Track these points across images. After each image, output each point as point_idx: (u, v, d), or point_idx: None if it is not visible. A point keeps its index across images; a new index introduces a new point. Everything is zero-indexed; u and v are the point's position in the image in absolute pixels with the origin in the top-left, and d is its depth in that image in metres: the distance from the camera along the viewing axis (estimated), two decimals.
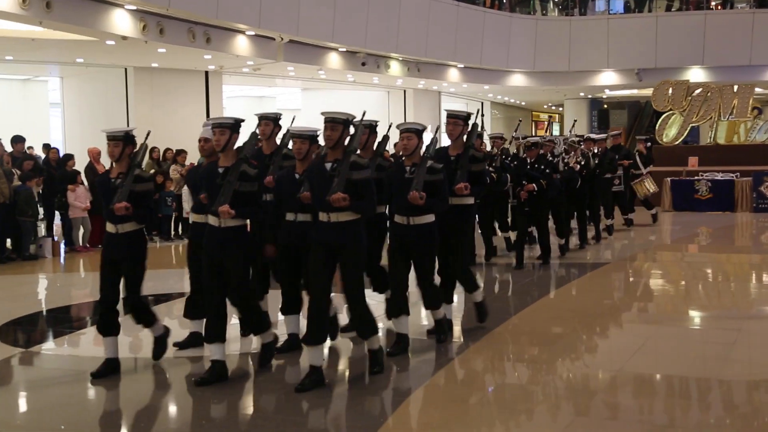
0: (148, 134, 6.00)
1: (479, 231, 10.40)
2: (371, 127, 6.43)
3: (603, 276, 9.84)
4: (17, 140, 12.35)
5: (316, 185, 5.30)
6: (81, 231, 12.16)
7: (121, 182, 5.54)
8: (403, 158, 6.08)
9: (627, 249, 12.24)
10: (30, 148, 15.07)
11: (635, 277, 10.11)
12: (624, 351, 6.26)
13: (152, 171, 13.12)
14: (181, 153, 14.18)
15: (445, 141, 7.14)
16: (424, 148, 6.03)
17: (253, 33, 16.32)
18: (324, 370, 5.32)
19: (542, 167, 9.85)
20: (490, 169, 9.42)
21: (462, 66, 23.12)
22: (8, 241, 11.18)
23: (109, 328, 5.63)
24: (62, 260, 11.55)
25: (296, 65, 18.77)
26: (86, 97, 19.39)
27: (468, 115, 6.60)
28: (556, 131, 37.17)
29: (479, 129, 9.95)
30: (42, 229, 12.25)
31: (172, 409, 5.16)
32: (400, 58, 21.14)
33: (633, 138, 29.80)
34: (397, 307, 6.00)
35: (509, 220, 11.04)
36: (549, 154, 10.47)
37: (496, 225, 11.15)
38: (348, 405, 5.09)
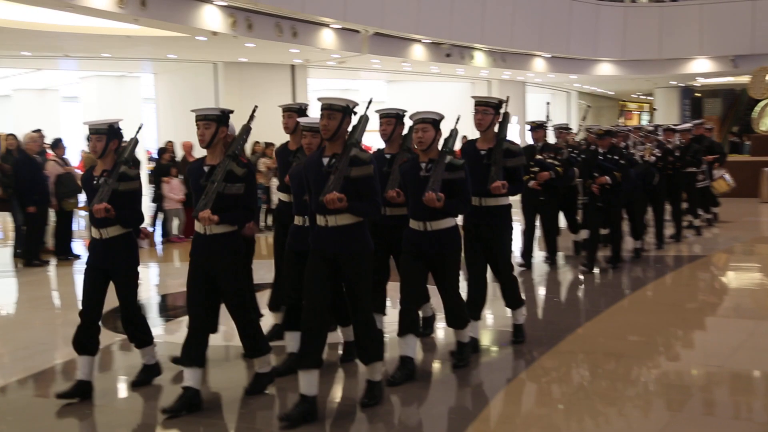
0: (139, 128, 5.46)
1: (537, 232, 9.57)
2: (398, 117, 5.58)
3: (697, 269, 9.54)
4: None
5: (311, 183, 4.58)
6: (176, 222, 12.54)
7: (105, 181, 4.95)
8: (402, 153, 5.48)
9: (720, 242, 11.81)
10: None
11: (731, 271, 9.77)
12: (723, 347, 6.06)
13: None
14: (270, 146, 14.44)
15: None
16: (442, 141, 5.17)
17: (338, 26, 16.46)
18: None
19: (616, 158, 8.81)
20: (555, 162, 8.91)
21: (548, 56, 22.77)
22: None
23: (85, 345, 5.02)
24: (158, 250, 11.92)
25: (381, 57, 18.84)
26: (178, 92, 19.96)
27: (499, 103, 5.74)
28: (645, 121, 36.20)
29: (546, 119, 9.53)
30: None
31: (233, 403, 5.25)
32: (485, 49, 20.96)
33: (725, 128, 28.78)
34: (405, 325, 5.18)
35: (579, 219, 10.19)
36: (625, 145, 9.77)
37: (565, 225, 10.22)
38: None
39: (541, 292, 8.49)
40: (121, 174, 4.95)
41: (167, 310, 8.10)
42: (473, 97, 5.84)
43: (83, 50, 16.83)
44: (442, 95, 24.48)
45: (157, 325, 7.36)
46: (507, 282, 5.96)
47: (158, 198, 12.42)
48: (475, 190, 5.52)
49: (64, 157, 11.19)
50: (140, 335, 5.26)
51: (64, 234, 10.89)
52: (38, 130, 11.46)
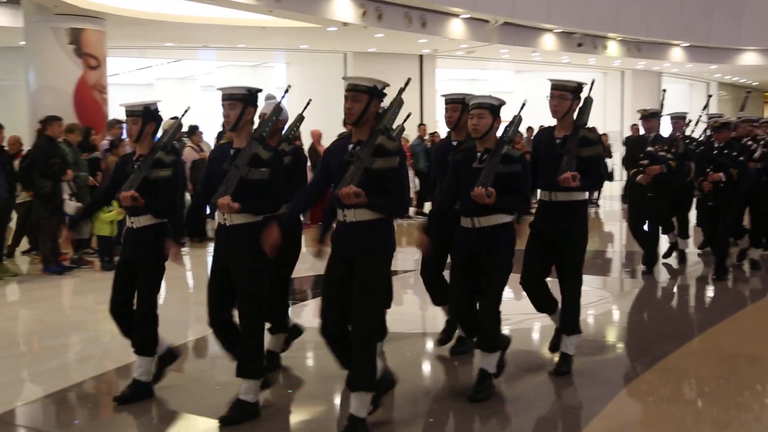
0: (185, 112, 5.15)
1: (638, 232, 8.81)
2: (464, 103, 5.08)
3: None
4: None
5: (334, 173, 4.08)
6: None
7: (138, 167, 4.59)
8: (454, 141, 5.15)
9: None
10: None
11: None
12: None
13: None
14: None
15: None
16: (502, 129, 4.60)
17: (467, 16, 16.37)
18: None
19: (734, 153, 7.97)
20: (668, 155, 8.05)
21: (687, 44, 21.78)
22: None
23: (138, 345, 4.68)
24: None
25: (510, 47, 18.61)
26: (308, 81, 20.41)
27: (578, 86, 5.11)
28: None
29: (660, 108, 8.62)
30: None
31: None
32: (619, 38, 20.29)
33: None
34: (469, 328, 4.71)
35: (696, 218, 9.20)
36: (749, 139, 8.75)
37: (676, 223, 9.22)
38: None
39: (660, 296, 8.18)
40: (156, 160, 4.59)
41: (293, 294, 8.33)
42: (549, 80, 5.25)
43: (221, 41, 17.53)
44: None
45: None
46: (570, 298, 5.09)
47: None
48: (545, 183, 5.07)
49: (200, 143, 11.69)
50: (145, 340, 4.66)
51: (200, 216, 11.37)
52: (175, 118, 11.99)
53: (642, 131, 8.90)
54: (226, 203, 4.10)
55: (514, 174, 4.46)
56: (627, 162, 9.25)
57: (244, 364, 4.27)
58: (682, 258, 9.30)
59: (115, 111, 13.75)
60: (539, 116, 7.51)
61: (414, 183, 14.15)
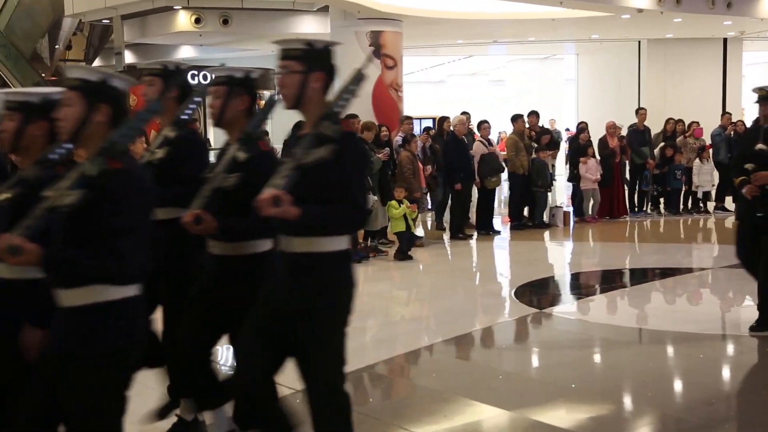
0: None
1: None
2: None
3: None
4: (532, 114, 13.20)
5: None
6: (591, 202, 12.56)
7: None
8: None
9: None
10: (552, 120, 16.29)
11: None
12: None
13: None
14: (692, 125, 13.65)
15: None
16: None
17: None
18: None
19: None
20: None
21: None
22: (525, 209, 12.09)
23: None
24: (571, 229, 12.07)
25: None
26: (599, 72, 19.93)
27: None
28: None
29: None
30: (554, 199, 12.99)
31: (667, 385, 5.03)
32: None
33: None
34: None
35: None
36: None
37: None
38: None
39: None
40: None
41: (579, 288, 8.18)
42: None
43: (511, 35, 17.67)
44: None
45: (568, 302, 7.48)
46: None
47: (574, 178, 12.54)
48: None
49: (489, 137, 11.87)
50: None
51: (486, 210, 11.57)
52: (466, 113, 12.32)
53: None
54: (190, 219, 3.18)
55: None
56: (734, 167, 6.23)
57: (195, 392, 3.58)
58: None
59: (409, 108, 14.45)
60: None
61: (711, 176, 13.13)
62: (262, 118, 3.33)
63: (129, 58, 18.58)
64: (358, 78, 2.95)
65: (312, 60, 2.91)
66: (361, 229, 3.82)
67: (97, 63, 19.79)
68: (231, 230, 3.22)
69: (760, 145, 5.57)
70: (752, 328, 5.68)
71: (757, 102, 5.71)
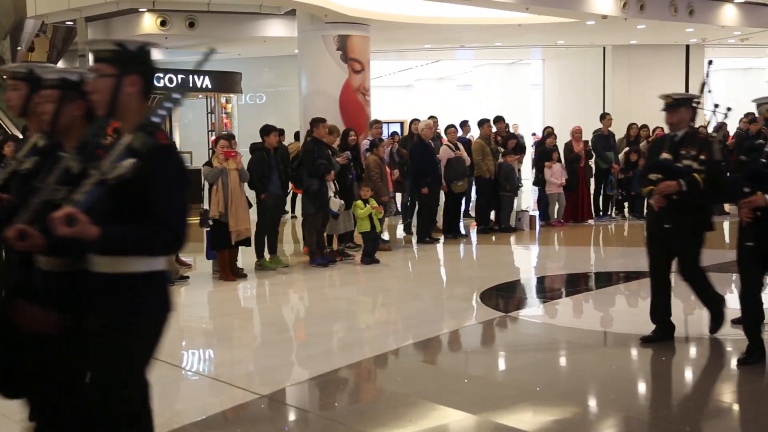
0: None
1: None
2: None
3: None
4: (498, 120, 13.28)
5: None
6: (556, 206, 12.66)
7: None
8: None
9: None
10: (515, 125, 16.42)
11: None
12: None
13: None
14: (656, 130, 13.83)
15: None
16: None
17: (741, 0, 15.14)
18: None
19: None
20: (695, 165, 5.31)
21: None
22: (492, 213, 12.15)
23: None
24: (537, 233, 12.16)
25: None
26: (565, 77, 20.12)
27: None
28: None
29: None
30: (520, 203, 13.09)
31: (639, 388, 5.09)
32: None
33: None
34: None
35: None
36: None
37: None
38: None
39: None
40: None
41: (544, 292, 8.24)
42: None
43: (478, 40, 17.77)
44: None
45: (533, 306, 7.53)
46: None
47: (540, 182, 12.65)
48: None
49: (456, 141, 11.92)
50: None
51: (453, 214, 11.61)
52: (433, 117, 12.37)
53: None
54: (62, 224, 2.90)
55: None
56: (641, 177, 6.39)
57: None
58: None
59: (377, 112, 14.46)
60: None
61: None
62: (103, 126, 2.91)
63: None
64: (182, 87, 2.84)
65: (125, 63, 2.70)
66: (177, 252, 3.81)
67: (60, 65, 19.52)
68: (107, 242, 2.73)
69: (665, 155, 5.48)
70: (711, 330, 5.77)
71: (663, 110, 5.52)
